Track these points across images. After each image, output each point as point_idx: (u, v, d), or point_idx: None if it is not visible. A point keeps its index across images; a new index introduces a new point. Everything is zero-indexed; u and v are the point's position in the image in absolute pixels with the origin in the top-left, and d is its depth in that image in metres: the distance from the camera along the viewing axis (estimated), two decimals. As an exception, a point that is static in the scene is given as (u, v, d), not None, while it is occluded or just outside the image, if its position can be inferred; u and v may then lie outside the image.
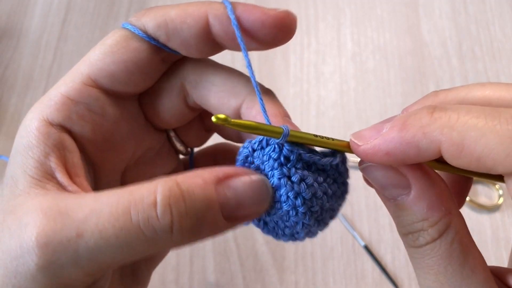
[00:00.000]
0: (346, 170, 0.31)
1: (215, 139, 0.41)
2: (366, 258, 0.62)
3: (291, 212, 0.29)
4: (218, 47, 0.31)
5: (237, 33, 0.29)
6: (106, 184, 0.34)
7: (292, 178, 0.28)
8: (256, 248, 0.64)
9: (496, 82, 0.29)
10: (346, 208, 0.65)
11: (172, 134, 0.38)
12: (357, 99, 0.74)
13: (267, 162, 0.29)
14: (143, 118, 0.35)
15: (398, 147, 0.25)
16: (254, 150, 0.29)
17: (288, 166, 0.29)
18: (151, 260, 0.38)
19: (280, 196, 0.28)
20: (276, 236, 0.32)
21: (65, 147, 0.29)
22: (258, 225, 0.33)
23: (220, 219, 0.26)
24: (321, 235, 0.63)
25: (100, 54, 0.30)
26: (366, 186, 0.72)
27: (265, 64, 0.77)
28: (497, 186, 0.66)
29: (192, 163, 0.41)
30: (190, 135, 0.39)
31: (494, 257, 0.61)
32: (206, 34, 0.30)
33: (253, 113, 0.30)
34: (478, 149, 0.23)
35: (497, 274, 0.28)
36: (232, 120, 0.26)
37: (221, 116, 0.25)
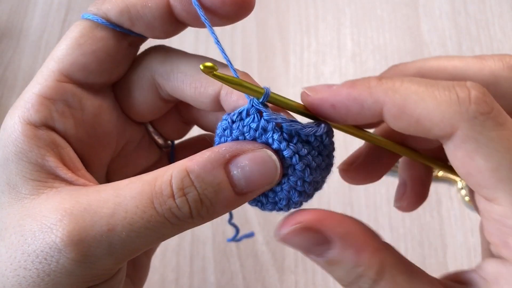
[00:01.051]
0: (332, 143, 0.31)
1: (197, 131, 0.41)
2: (366, 258, 0.62)
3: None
4: (182, 25, 0.32)
5: (200, 12, 0.29)
6: (97, 177, 0.34)
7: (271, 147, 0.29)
8: (256, 248, 0.64)
9: (450, 55, 0.33)
10: (346, 208, 0.65)
11: (150, 128, 0.39)
12: (357, 99, 0.74)
13: (247, 133, 0.29)
14: (120, 110, 0.35)
15: (344, 102, 0.28)
16: (233, 122, 0.29)
17: (266, 136, 0.29)
18: (149, 248, 0.38)
19: None
20: (261, 206, 0.32)
21: (57, 144, 0.30)
22: None
23: (233, 197, 0.28)
24: (321, 235, 0.64)
25: (68, 48, 0.31)
26: (365, 186, 0.72)
27: (265, 65, 0.77)
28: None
29: (173, 156, 0.41)
30: (168, 128, 0.39)
31: (494, 257, 0.61)
32: (169, 15, 0.30)
33: (233, 98, 0.31)
34: (418, 111, 0.25)
35: (454, 278, 0.29)
36: (216, 72, 0.26)
37: (208, 64, 0.26)
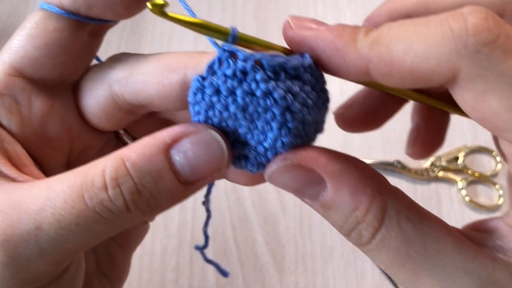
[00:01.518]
0: (322, 74, 0.27)
1: None
2: (366, 258, 0.62)
3: (266, 128, 0.25)
4: None
5: None
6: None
7: (256, 94, 0.24)
8: (256, 248, 0.63)
9: None
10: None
11: (121, 131, 0.36)
12: (357, 99, 0.74)
13: (223, 86, 0.24)
14: (77, 112, 0.32)
15: (326, 50, 0.24)
16: (204, 79, 0.25)
17: (247, 80, 0.24)
18: (126, 244, 0.37)
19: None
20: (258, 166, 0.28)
21: (2, 139, 0.28)
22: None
23: (177, 186, 0.24)
24: (321, 235, 0.63)
25: (21, 40, 0.29)
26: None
27: (265, 64, 0.77)
28: (497, 186, 0.66)
29: None
30: (142, 130, 0.35)
31: (494, 257, 0.61)
32: None
33: (203, 71, 0.26)
34: (408, 60, 0.21)
35: (476, 227, 0.26)
36: (169, 13, 0.22)
37: (158, 0, 0.22)
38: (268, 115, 0.25)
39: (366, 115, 0.35)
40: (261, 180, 0.31)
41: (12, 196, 0.24)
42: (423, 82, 0.22)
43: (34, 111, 0.30)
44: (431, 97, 0.31)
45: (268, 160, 0.26)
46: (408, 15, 0.29)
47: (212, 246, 0.64)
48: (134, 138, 0.36)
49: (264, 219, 0.65)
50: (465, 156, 0.68)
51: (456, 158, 0.68)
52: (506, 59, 0.20)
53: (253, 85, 0.24)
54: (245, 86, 0.24)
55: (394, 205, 0.23)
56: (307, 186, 0.25)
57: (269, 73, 0.24)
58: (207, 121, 0.26)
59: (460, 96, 0.22)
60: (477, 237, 0.25)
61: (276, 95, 0.24)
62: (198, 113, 0.26)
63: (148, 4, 0.22)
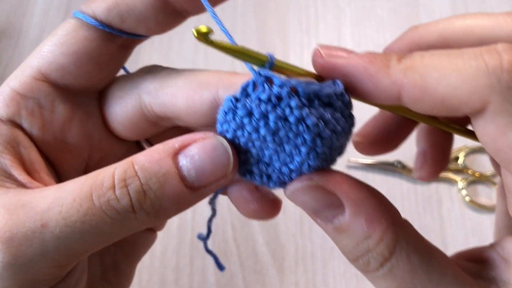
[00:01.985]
0: (351, 101, 0.27)
1: None
2: (366, 258, 0.62)
3: (294, 152, 0.26)
4: (179, 15, 0.29)
5: None
6: None
7: (290, 120, 0.24)
8: (256, 248, 0.63)
9: (476, 13, 0.29)
10: (346, 208, 0.65)
11: (143, 141, 0.36)
12: (357, 99, 0.74)
13: (256, 109, 0.24)
14: (100, 120, 0.32)
15: (359, 76, 0.25)
16: (237, 100, 0.25)
17: (282, 105, 0.24)
18: (132, 254, 0.37)
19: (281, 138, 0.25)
20: (274, 183, 0.29)
21: (19, 143, 0.28)
22: (250, 178, 0.29)
23: (184, 191, 0.25)
24: (321, 235, 0.63)
25: (51, 46, 0.29)
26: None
27: (265, 64, 0.77)
28: (497, 186, 0.66)
29: None
30: (164, 140, 0.36)
31: (495, 258, 0.61)
32: (162, 3, 0.28)
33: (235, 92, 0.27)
34: (441, 89, 0.22)
35: (469, 256, 0.27)
36: (212, 39, 0.23)
37: (202, 28, 0.22)
38: (299, 140, 0.25)
39: (382, 140, 0.36)
40: (264, 217, 0.33)
41: (22, 197, 0.25)
42: (451, 111, 0.23)
43: (56, 116, 0.30)
44: (443, 122, 0.32)
45: (291, 179, 0.27)
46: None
47: (212, 246, 0.64)
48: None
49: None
50: (465, 156, 0.68)
51: (457, 158, 0.68)
52: None
53: (287, 111, 0.24)
54: (279, 111, 0.24)
55: (405, 237, 0.24)
56: (326, 208, 0.26)
57: (303, 100, 0.25)
58: (234, 140, 0.27)
59: (482, 127, 0.23)
60: (472, 268, 0.26)
61: (309, 121, 0.24)
62: (226, 131, 0.26)
63: (194, 31, 0.22)
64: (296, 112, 0.24)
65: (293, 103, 0.24)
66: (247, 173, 0.28)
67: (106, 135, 0.33)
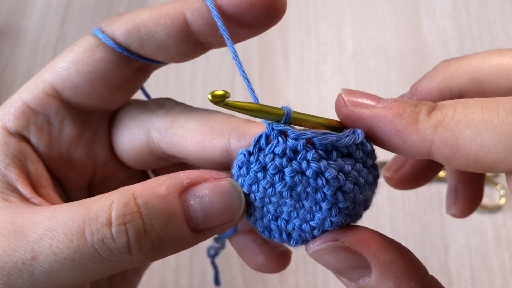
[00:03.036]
0: (373, 150, 0.26)
1: None
2: (367, 258, 0.62)
3: (314, 208, 0.24)
4: (201, 47, 0.28)
5: (218, 23, 0.25)
6: (75, 198, 0.31)
7: (307, 174, 0.23)
8: (256, 248, 0.63)
9: None
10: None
11: (149, 170, 0.35)
12: (357, 99, 0.73)
13: (271, 163, 0.23)
14: (107, 142, 0.32)
15: (385, 131, 0.23)
16: (250, 154, 0.24)
17: (298, 159, 0.23)
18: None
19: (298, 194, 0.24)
20: (293, 241, 0.27)
21: (27, 157, 0.28)
22: (264, 235, 0.28)
23: (186, 232, 0.23)
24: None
25: (66, 62, 0.28)
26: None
27: (265, 64, 0.76)
28: (498, 186, 0.66)
29: None
30: (169, 171, 0.35)
31: (496, 258, 0.61)
32: (185, 33, 0.27)
33: (248, 144, 0.26)
34: (475, 148, 0.21)
35: None
36: (228, 100, 0.22)
37: (218, 92, 0.21)
38: (319, 195, 0.24)
39: (413, 176, 0.35)
40: (272, 271, 0.31)
41: (16, 220, 0.23)
42: (485, 170, 0.21)
43: (64, 135, 0.29)
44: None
45: (313, 237, 0.26)
46: (461, 93, 0.28)
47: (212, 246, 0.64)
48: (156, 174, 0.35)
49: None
50: (466, 156, 0.68)
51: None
52: None
53: (304, 165, 0.23)
54: (295, 165, 0.23)
55: None
56: (351, 269, 0.24)
57: (321, 152, 0.23)
58: (250, 196, 0.25)
59: None
60: None
61: (328, 175, 0.23)
62: (242, 186, 0.25)
63: (209, 96, 0.22)
64: (313, 165, 0.23)
65: (310, 155, 0.23)
66: (265, 230, 0.27)
67: (111, 158, 0.32)
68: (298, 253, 0.63)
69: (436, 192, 0.66)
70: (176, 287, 0.61)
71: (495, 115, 0.20)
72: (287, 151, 0.23)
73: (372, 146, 0.25)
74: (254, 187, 0.25)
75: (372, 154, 0.25)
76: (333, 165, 0.23)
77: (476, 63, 0.27)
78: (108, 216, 0.22)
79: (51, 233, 0.22)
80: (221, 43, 0.27)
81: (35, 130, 0.28)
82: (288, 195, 0.24)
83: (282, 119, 0.23)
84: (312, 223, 0.25)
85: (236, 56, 0.25)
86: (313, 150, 0.23)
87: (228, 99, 0.23)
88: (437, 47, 0.76)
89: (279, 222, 0.26)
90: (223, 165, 0.27)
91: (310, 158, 0.23)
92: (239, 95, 0.73)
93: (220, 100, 0.22)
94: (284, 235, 0.27)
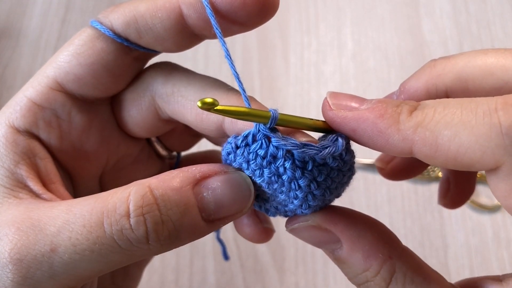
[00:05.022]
0: (353, 155, 0.28)
1: (206, 144, 0.39)
2: (367, 258, 0.62)
3: (287, 200, 0.27)
4: (196, 38, 0.29)
5: (212, 21, 0.26)
6: (85, 190, 0.32)
7: (283, 177, 0.25)
8: (256, 248, 0.63)
9: (501, 48, 0.27)
10: (346, 209, 0.65)
11: (153, 138, 0.36)
12: (357, 99, 0.73)
13: (253, 161, 0.26)
14: (115, 124, 0.33)
15: (368, 132, 0.24)
16: (237, 147, 0.26)
17: (276, 164, 0.25)
18: (142, 259, 0.37)
19: (275, 190, 0.27)
20: (279, 214, 0.31)
21: (35, 154, 0.28)
22: (259, 210, 0.32)
23: (200, 222, 0.25)
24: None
25: (67, 55, 0.29)
26: (366, 186, 0.72)
27: (265, 64, 0.77)
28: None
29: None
30: (173, 139, 0.37)
31: (495, 257, 0.61)
32: (181, 26, 0.27)
33: (239, 126, 0.27)
34: (453, 148, 0.22)
35: (469, 285, 0.27)
36: (219, 106, 0.23)
37: (208, 100, 0.23)
38: (291, 194, 0.26)
39: (404, 166, 0.36)
40: (256, 241, 0.35)
41: (32, 215, 0.24)
42: (464, 168, 0.22)
43: (74, 126, 0.30)
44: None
45: (292, 214, 0.29)
46: (446, 92, 0.28)
47: (212, 246, 0.64)
48: (165, 147, 0.37)
49: (264, 219, 0.65)
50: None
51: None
52: None
53: (281, 170, 0.25)
54: (273, 168, 0.25)
55: (402, 269, 0.25)
56: (325, 243, 0.27)
57: (298, 162, 0.25)
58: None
59: (495, 184, 0.22)
60: None
61: (301, 182, 0.25)
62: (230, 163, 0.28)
63: (198, 103, 0.23)
64: (289, 173, 0.25)
65: (287, 164, 0.25)
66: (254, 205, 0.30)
67: (121, 138, 0.33)
68: (298, 253, 0.63)
69: (435, 192, 0.66)
70: (176, 287, 0.61)
71: (473, 116, 0.21)
72: (268, 155, 0.25)
73: (351, 154, 0.27)
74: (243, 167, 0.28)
75: (349, 160, 0.27)
76: (307, 175, 0.25)
77: (462, 62, 0.27)
78: (126, 208, 0.23)
79: (69, 226, 0.23)
80: (216, 36, 0.28)
81: (44, 126, 0.29)
82: (266, 187, 0.27)
83: (268, 121, 0.25)
84: (286, 208, 0.28)
85: (228, 54, 0.26)
86: (291, 160, 0.25)
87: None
88: (437, 47, 0.76)
89: (258, 199, 0.29)
90: (218, 134, 0.29)
91: (287, 167, 0.25)
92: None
93: (209, 107, 0.23)
94: (262, 209, 0.30)
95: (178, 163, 0.39)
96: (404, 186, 0.66)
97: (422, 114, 0.23)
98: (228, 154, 0.27)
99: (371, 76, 0.75)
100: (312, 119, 0.27)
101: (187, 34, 0.28)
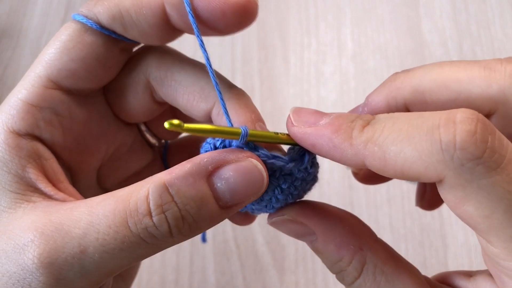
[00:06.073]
0: (317, 167, 0.31)
1: None
2: (367, 258, 0.62)
3: (255, 201, 0.30)
4: (178, 32, 0.30)
5: (195, 29, 0.27)
6: (83, 184, 0.33)
7: None
8: (256, 248, 0.63)
9: (455, 61, 0.29)
10: (346, 208, 0.65)
11: (143, 127, 0.37)
12: (357, 99, 0.73)
13: None
14: (111, 114, 0.34)
15: (325, 146, 0.26)
16: (215, 148, 0.28)
17: None
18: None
19: None
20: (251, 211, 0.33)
21: (40, 155, 0.28)
22: None
23: (217, 211, 0.26)
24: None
25: (56, 52, 0.29)
26: (366, 186, 0.71)
27: (265, 64, 0.77)
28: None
29: (166, 156, 0.40)
30: (162, 127, 0.36)
31: (495, 258, 0.61)
32: (164, 23, 0.28)
33: (224, 120, 0.29)
34: (399, 163, 0.23)
35: (442, 279, 0.29)
36: (185, 125, 0.24)
37: (175, 121, 0.24)
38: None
39: (375, 173, 0.38)
40: (238, 223, 0.37)
41: (52, 218, 0.25)
42: (413, 180, 0.24)
43: (75, 121, 0.31)
44: None
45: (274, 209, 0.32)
46: (405, 104, 0.30)
47: (213, 246, 0.64)
48: (154, 134, 0.38)
49: (264, 219, 0.65)
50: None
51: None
52: (486, 176, 0.21)
53: None
54: None
55: (372, 260, 0.27)
56: (302, 235, 0.30)
57: (267, 171, 0.28)
58: None
59: (444, 195, 0.24)
60: None
61: (268, 188, 0.28)
62: None
63: (166, 124, 0.24)
64: None
65: None
66: None
67: (118, 127, 0.34)
68: (298, 252, 0.63)
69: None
70: (176, 287, 0.61)
71: (417, 132, 0.23)
72: None
73: (316, 167, 0.30)
74: None
75: (313, 172, 0.30)
76: (273, 182, 0.29)
77: (419, 76, 0.29)
78: (147, 207, 0.24)
79: (94, 227, 0.24)
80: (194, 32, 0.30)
81: (45, 126, 0.29)
82: None
83: (239, 138, 0.27)
84: (253, 207, 0.31)
85: (208, 62, 0.28)
86: None
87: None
88: (437, 48, 0.76)
89: None
90: (207, 121, 0.31)
91: None
92: (239, 95, 0.73)
93: (176, 128, 0.24)
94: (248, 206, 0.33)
95: (166, 150, 0.40)
96: (404, 185, 0.66)
97: (373, 130, 0.24)
98: (207, 152, 0.28)
99: (371, 76, 0.75)
100: (284, 133, 0.29)
101: (171, 30, 0.29)
